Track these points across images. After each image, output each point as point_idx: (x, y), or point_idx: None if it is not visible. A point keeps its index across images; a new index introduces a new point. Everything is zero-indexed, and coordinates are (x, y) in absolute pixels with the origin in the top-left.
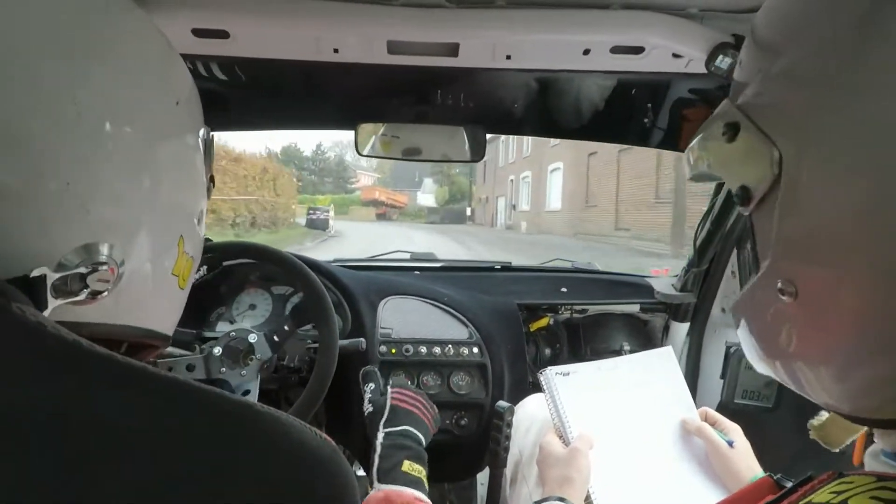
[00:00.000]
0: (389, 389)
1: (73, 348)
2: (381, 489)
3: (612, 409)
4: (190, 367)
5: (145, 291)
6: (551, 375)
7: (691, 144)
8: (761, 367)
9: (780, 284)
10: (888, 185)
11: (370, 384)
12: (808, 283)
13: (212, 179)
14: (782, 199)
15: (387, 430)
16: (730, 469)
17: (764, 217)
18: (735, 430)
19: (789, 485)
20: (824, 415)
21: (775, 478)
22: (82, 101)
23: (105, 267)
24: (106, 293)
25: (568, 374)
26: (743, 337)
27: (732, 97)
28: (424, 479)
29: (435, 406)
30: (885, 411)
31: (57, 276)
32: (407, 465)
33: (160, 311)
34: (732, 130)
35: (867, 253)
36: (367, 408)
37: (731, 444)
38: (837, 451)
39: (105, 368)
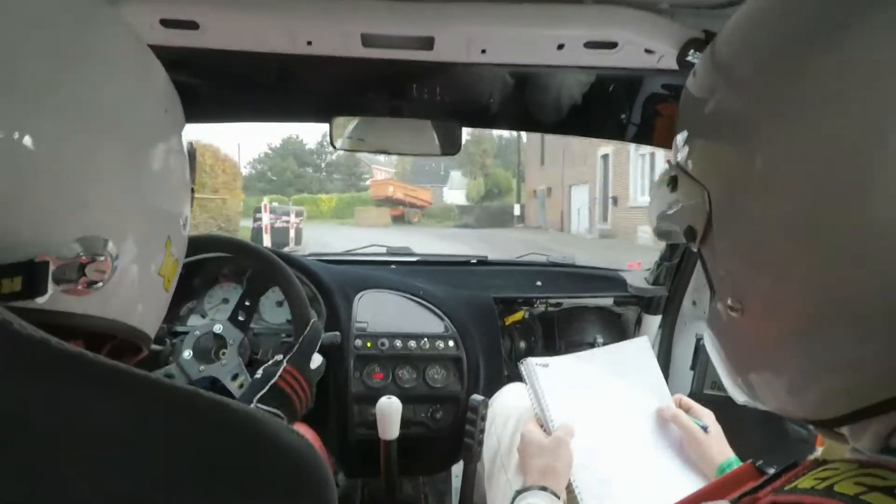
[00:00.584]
0: (284, 365)
1: (40, 346)
2: None
3: (591, 399)
4: (169, 377)
5: (134, 288)
6: (532, 365)
7: (649, 209)
8: (732, 388)
9: (729, 302)
10: (802, 210)
11: (279, 355)
12: (749, 299)
13: (192, 192)
14: (717, 232)
15: (259, 405)
16: (704, 454)
17: (708, 250)
18: (708, 416)
19: (771, 471)
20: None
21: (757, 464)
22: (80, 100)
23: (102, 258)
24: (101, 284)
25: (547, 364)
26: (715, 359)
27: (672, 160)
28: None
29: (314, 392)
30: (821, 411)
31: (58, 263)
32: None
33: (146, 310)
34: (673, 182)
35: (793, 268)
36: (258, 373)
37: (705, 429)
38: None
39: (74, 366)
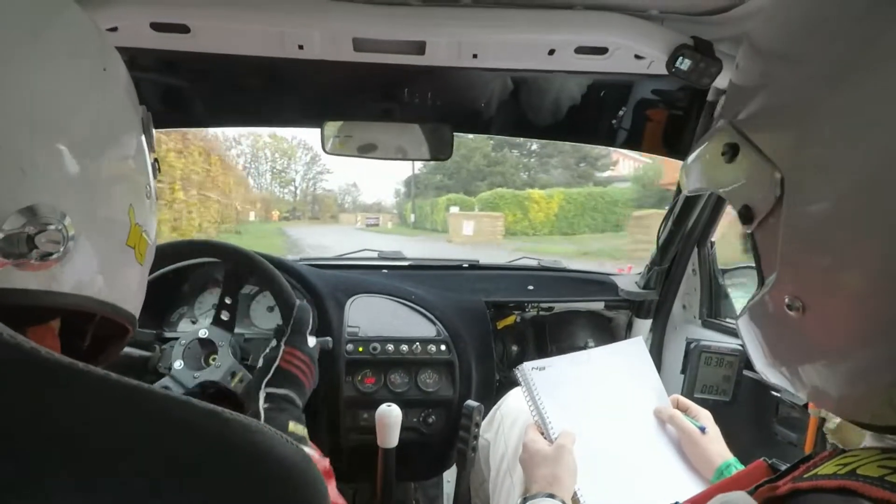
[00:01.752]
0: (283, 348)
1: (30, 356)
2: None
3: (589, 402)
4: (150, 347)
5: (100, 261)
6: (528, 370)
7: (687, 161)
8: (768, 372)
9: (787, 300)
10: (889, 204)
11: (274, 341)
12: (815, 300)
13: (156, 162)
14: (785, 219)
15: (268, 390)
16: (702, 455)
17: (767, 235)
18: (706, 417)
19: (783, 468)
20: (837, 419)
21: (769, 462)
22: (11, 69)
23: (52, 227)
24: (56, 256)
25: (543, 368)
26: (750, 345)
27: (727, 113)
28: (307, 438)
29: (317, 368)
30: (886, 417)
31: (1, 235)
32: (292, 426)
33: (121, 285)
34: (732, 151)
35: (872, 270)
36: (259, 362)
37: (703, 429)
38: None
39: (65, 375)
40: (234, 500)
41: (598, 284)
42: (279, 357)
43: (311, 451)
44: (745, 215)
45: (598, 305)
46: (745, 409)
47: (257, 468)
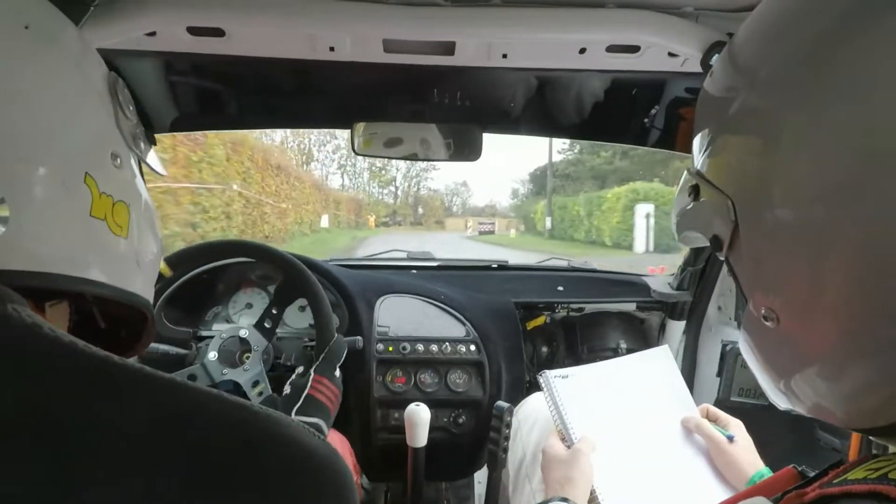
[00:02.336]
0: (312, 375)
1: (68, 349)
2: None
3: (613, 410)
4: (192, 378)
5: (63, 233)
6: (550, 378)
7: (672, 215)
8: (771, 392)
9: (763, 312)
10: (839, 210)
11: (300, 367)
12: (783, 309)
13: (148, 136)
14: (743, 238)
15: (298, 417)
16: (731, 464)
17: (737, 258)
18: (736, 426)
19: (813, 475)
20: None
21: (800, 469)
22: None
23: None
24: None
25: (567, 376)
26: (751, 365)
27: (691, 168)
28: None
29: (340, 398)
30: (878, 419)
31: None
32: None
33: (101, 261)
34: (695, 192)
35: (830, 272)
36: (286, 389)
37: (730, 438)
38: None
39: (101, 370)
40: (261, 492)
41: (630, 285)
42: (308, 385)
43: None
44: (715, 244)
45: (630, 306)
46: (784, 414)
47: (286, 461)
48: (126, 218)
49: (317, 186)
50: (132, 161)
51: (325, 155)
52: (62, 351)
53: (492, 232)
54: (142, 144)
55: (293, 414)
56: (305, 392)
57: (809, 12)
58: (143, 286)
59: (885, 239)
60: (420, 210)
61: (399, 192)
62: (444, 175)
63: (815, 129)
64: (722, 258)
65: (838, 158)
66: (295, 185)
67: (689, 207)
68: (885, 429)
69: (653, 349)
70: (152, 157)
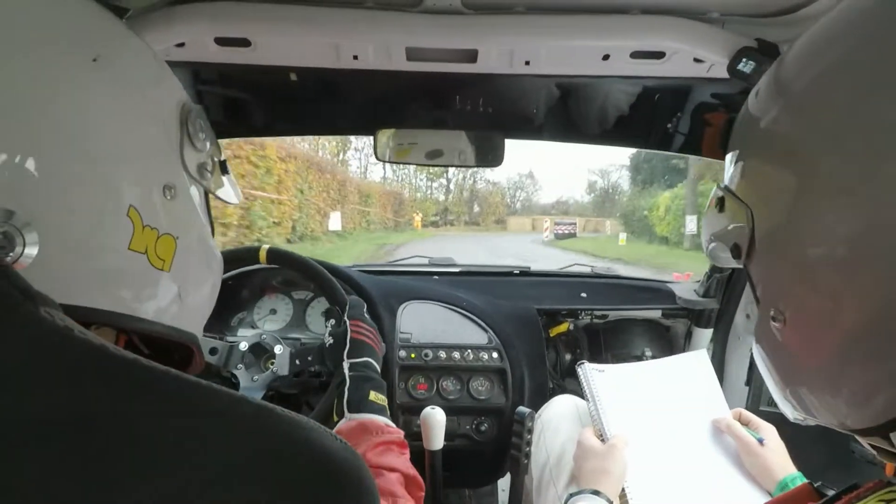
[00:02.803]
0: (348, 322)
1: (99, 352)
2: (353, 418)
3: (647, 408)
4: (213, 351)
5: (95, 264)
6: (589, 369)
7: (703, 232)
8: (780, 402)
9: (772, 313)
10: (850, 236)
11: (331, 320)
12: (792, 306)
13: (223, 165)
14: (759, 248)
15: (351, 360)
16: (761, 466)
17: (754, 266)
18: (768, 430)
19: (831, 493)
20: None
21: (815, 485)
22: None
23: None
24: (12, 257)
25: (603, 370)
26: (763, 372)
27: (720, 182)
28: (387, 407)
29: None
30: (880, 417)
31: None
32: (373, 395)
33: (136, 295)
34: (720, 203)
35: (831, 278)
36: (328, 340)
37: (761, 441)
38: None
39: (129, 372)
40: (282, 494)
41: (655, 292)
42: (348, 330)
43: (387, 420)
44: (735, 252)
45: (656, 314)
46: (818, 425)
47: (307, 463)
48: (171, 251)
49: (344, 181)
50: (192, 192)
51: (365, 143)
52: (93, 353)
53: (572, 234)
54: (210, 175)
55: (345, 357)
56: (349, 336)
57: (867, 51)
58: (189, 319)
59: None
60: (476, 207)
61: (452, 186)
62: (505, 164)
63: (844, 176)
64: (740, 266)
65: (864, 210)
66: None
67: (715, 219)
68: (874, 429)
69: (689, 353)
70: (225, 188)
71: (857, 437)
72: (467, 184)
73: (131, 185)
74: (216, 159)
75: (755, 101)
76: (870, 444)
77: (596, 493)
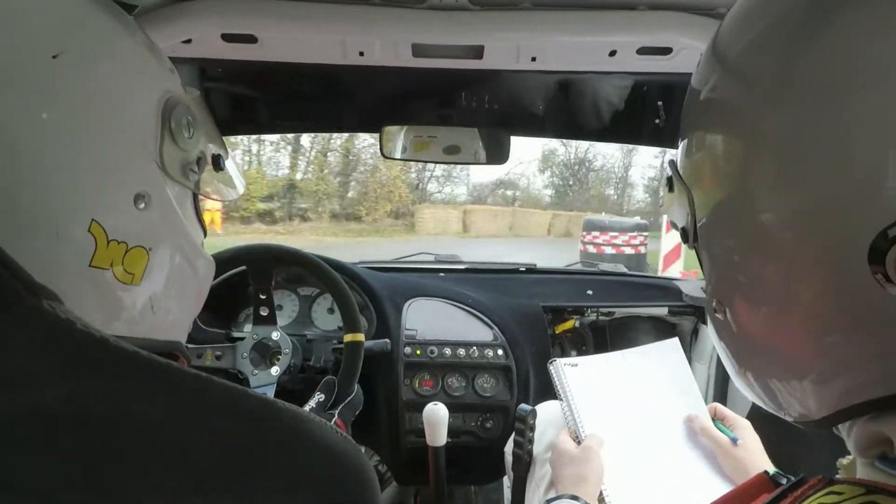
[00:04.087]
0: (335, 418)
1: (101, 345)
2: None
3: (621, 403)
4: (219, 357)
5: (49, 283)
6: (561, 366)
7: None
8: (736, 381)
9: (714, 304)
10: (786, 212)
11: (320, 395)
12: (727, 299)
13: (217, 159)
14: (699, 230)
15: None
16: (737, 466)
17: (700, 249)
18: (743, 427)
19: (784, 481)
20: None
21: (771, 474)
22: None
23: None
24: None
25: (576, 365)
26: (720, 354)
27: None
28: None
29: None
30: (805, 412)
31: None
32: None
33: (101, 310)
34: (670, 184)
35: (759, 271)
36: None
37: (734, 441)
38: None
39: (131, 366)
40: (284, 487)
41: (661, 289)
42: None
43: None
44: (682, 235)
45: (662, 311)
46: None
47: (310, 457)
48: (142, 264)
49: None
50: (172, 195)
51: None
52: (95, 346)
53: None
54: (196, 174)
55: None
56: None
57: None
58: (168, 328)
59: (817, 248)
60: (351, 191)
61: (310, 150)
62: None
63: (779, 126)
64: (690, 248)
65: (798, 159)
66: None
67: (668, 199)
68: (821, 422)
69: (662, 341)
70: (213, 185)
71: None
72: (337, 145)
73: (93, 197)
74: (209, 154)
75: (695, 74)
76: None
77: (574, 498)
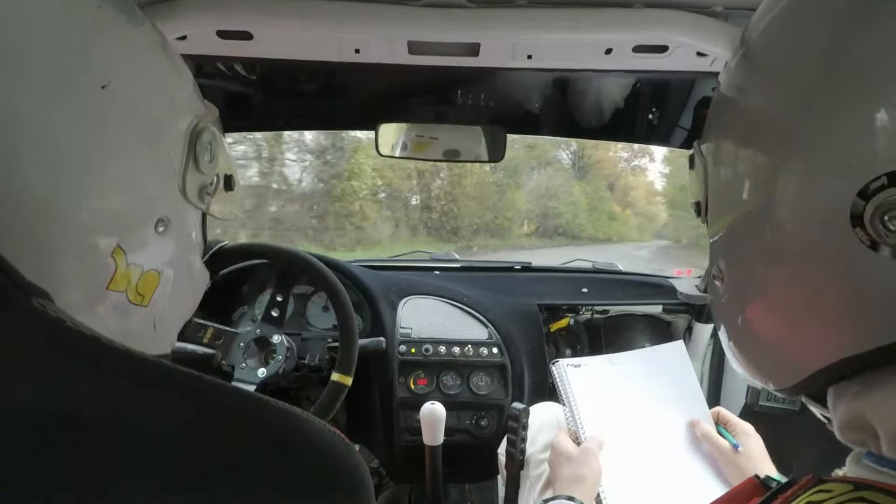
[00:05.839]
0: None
1: (92, 343)
2: None
3: (624, 406)
4: (217, 338)
5: (64, 302)
6: (564, 366)
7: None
8: (731, 359)
9: (714, 272)
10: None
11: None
12: (728, 266)
13: (228, 179)
14: (709, 200)
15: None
16: (737, 473)
17: (708, 222)
18: (745, 433)
19: (774, 485)
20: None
21: (761, 478)
22: None
23: None
24: None
25: (579, 365)
26: (718, 326)
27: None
28: None
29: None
30: (779, 379)
31: None
32: None
33: (107, 329)
34: (691, 161)
35: (759, 241)
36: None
37: (736, 447)
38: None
39: (123, 364)
40: (277, 485)
41: (656, 287)
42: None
43: None
44: (697, 209)
45: (656, 309)
46: (813, 420)
47: (301, 454)
48: (153, 287)
49: None
50: (188, 218)
51: None
52: (86, 344)
53: None
54: (210, 196)
55: None
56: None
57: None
58: (161, 342)
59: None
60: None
61: None
62: None
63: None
64: (702, 222)
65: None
66: None
67: (690, 177)
68: (801, 385)
69: (667, 344)
70: (219, 205)
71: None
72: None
73: (120, 223)
74: (222, 175)
75: (724, 72)
76: (821, 414)
77: (571, 499)
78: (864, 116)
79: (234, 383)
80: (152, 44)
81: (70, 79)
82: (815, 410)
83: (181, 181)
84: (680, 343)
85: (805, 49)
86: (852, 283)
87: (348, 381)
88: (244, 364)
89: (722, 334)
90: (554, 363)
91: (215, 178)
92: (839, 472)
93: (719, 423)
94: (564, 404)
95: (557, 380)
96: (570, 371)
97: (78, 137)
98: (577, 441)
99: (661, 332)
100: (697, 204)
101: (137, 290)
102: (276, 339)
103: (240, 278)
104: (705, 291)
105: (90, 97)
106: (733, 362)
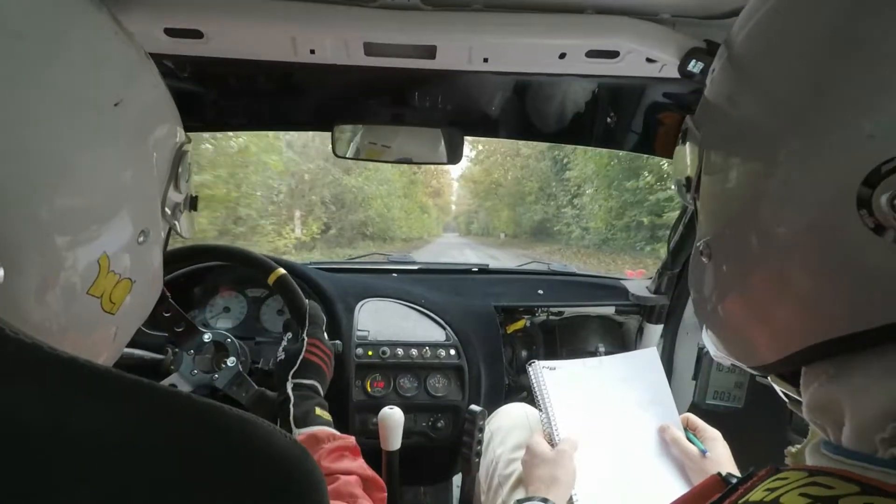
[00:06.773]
0: (305, 340)
1: (32, 351)
2: (302, 432)
3: (597, 410)
4: (172, 386)
5: (48, 305)
6: (539, 368)
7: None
8: (705, 339)
9: (701, 247)
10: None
11: (288, 333)
12: (715, 241)
13: (194, 200)
14: (703, 179)
15: (295, 380)
16: (705, 476)
17: (699, 200)
18: (713, 439)
19: (735, 481)
20: (798, 445)
21: (723, 475)
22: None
23: None
24: None
25: (554, 368)
26: (692, 294)
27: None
28: (332, 421)
29: (333, 360)
30: (756, 357)
31: None
32: (318, 410)
33: (77, 337)
34: (684, 136)
35: (753, 219)
36: (280, 355)
37: (704, 453)
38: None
39: (67, 372)
40: (229, 491)
41: (609, 289)
42: (304, 349)
43: (333, 431)
44: (688, 186)
45: (609, 310)
46: (759, 416)
47: (254, 460)
48: (124, 295)
49: None
50: (161, 233)
51: None
52: (28, 352)
53: None
54: (181, 213)
55: (290, 377)
56: (301, 356)
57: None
58: (115, 351)
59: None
60: None
61: None
62: None
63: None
64: (691, 201)
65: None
66: None
67: (679, 153)
68: (778, 364)
69: (641, 350)
70: (185, 222)
71: (778, 390)
72: None
73: (114, 231)
74: (189, 195)
75: (712, 72)
76: (783, 393)
77: (544, 500)
78: (875, 96)
79: (185, 389)
80: (142, 57)
81: (89, 89)
82: (778, 388)
83: (163, 197)
84: (653, 350)
85: (819, 19)
86: (850, 265)
87: (281, 270)
88: (195, 370)
89: (700, 310)
90: (530, 364)
91: (185, 198)
92: (791, 450)
93: (688, 429)
94: (539, 406)
95: (533, 381)
96: (546, 373)
97: (93, 149)
98: (551, 442)
99: (613, 332)
100: (688, 180)
101: (112, 297)
102: (228, 342)
103: (190, 282)
104: (655, 293)
105: (105, 113)
106: (707, 338)
